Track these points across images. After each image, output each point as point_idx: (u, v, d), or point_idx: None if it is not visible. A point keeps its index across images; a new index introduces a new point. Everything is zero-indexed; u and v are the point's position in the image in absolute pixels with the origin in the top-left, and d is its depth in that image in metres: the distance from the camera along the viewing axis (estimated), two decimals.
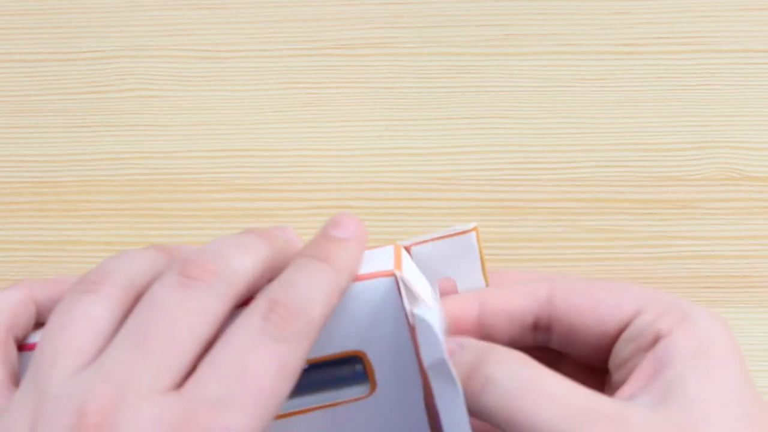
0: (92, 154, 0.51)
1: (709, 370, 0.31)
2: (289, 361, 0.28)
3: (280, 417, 0.34)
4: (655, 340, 0.32)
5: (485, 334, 0.35)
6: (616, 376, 0.34)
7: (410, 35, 0.50)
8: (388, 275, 0.33)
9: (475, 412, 0.32)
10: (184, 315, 0.28)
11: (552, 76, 0.50)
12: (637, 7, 0.49)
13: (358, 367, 0.34)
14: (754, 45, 0.49)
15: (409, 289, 0.33)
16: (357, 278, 0.33)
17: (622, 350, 0.33)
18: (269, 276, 0.31)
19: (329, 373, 0.35)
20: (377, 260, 0.34)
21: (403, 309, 0.34)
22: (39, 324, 0.34)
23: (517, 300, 0.35)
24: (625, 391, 0.32)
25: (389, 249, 0.36)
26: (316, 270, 0.31)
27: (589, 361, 0.35)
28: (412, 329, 0.33)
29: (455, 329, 0.35)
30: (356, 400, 0.35)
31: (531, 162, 0.50)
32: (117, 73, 0.51)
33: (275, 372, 0.28)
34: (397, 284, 0.33)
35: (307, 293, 0.30)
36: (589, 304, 0.34)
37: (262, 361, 0.28)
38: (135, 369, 0.28)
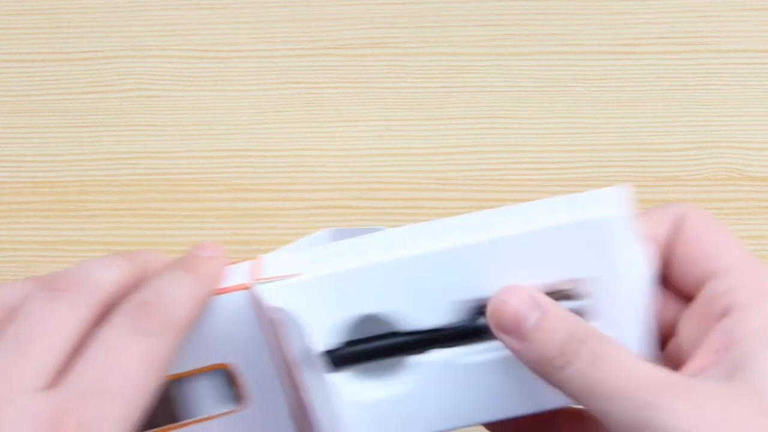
0: (92, 154, 0.51)
1: None
2: (156, 354, 0.31)
3: None
4: (726, 311, 0.32)
5: None
6: (684, 335, 0.34)
7: (410, 35, 0.50)
8: (242, 288, 0.35)
9: (553, 384, 0.33)
10: (54, 320, 0.31)
11: (552, 76, 0.50)
12: (637, 7, 0.49)
13: (222, 380, 0.36)
14: (754, 45, 0.49)
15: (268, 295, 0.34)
16: (214, 293, 0.35)
17: (695, 310, 0.33)
18: (133, 287, 0.34)
19: (198, 387, 0.36)
20: (234, 276, 0.36)
21: (258, 321, 0.35)
22: None
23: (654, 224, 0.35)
24: (692, 366, 0.32)
25: (247, 264, 0.37)
26: (180, 276, 0.33)
27: (679, 299, 0.35)
28: (274, 331, 0.35)
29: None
30: (226, 414, 0.36)
31: (531, 162, 0.50)
32: (117, 73, 0.51)
33: (143, 364, 0.31)
34: (256, 296, 0.35)
35: (170, 293, 0.33)
36: (697, 242, 0.34)
37: (130, 354, 0.31)
38: (13, 371, 0.30)
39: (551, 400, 0.36)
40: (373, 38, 0.50)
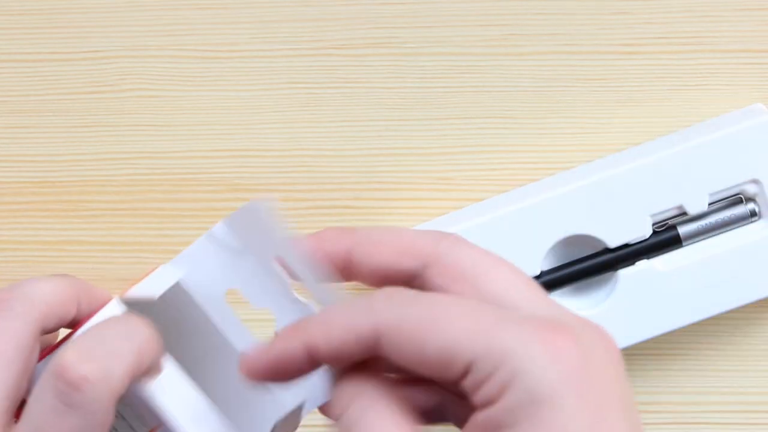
0: (92, 154, 0.51)
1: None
2: (21, 335, 0.30)
3: None
4: (477, 407, 0.28)
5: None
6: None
7: (410, 35, 0.50)
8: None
9: None
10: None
11: (552, 76, 0.50)
12: (637, 7, 0.49)
13: None
14: (754, 45, 0.49)
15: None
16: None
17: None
18: (75, 304, 0.33)
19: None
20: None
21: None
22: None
23: (344, 347, 0.30)
24: None
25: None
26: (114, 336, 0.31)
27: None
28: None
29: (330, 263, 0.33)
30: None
31: (531, 162, 0.50)
32: (117, 73, 0.51)
33: (9, 344, 0.30)
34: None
35: (100, 361, 0.30)
36: (417, 350, 0.29)
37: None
38: None
39: (753, 293, 0.45)
40: (373, 38, 0.50)
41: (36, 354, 0.32)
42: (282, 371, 0.31)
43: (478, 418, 0.28)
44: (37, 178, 0.51)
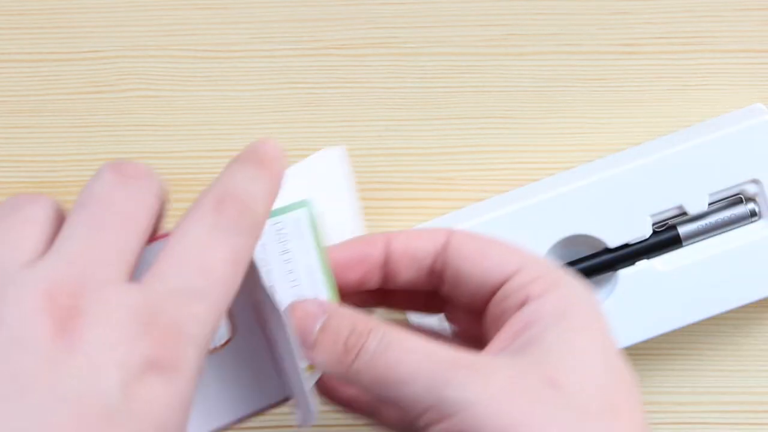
0: (92, 154, 0.51)
1: (569, 328, 0.33)
2: (242, 255, 0.30)
3: None
4: (524, 302, 0.34)
5: (389, 273, 0.38)
6: (488, 334, 0.35)
7: (410, 35, 0.50)
8: None
9: (351, 382, 0.33)
10: (129, 208, 0.30)
11: (552, 76, 0.50)
12: (637, 7, 0.49)
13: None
14: (754, 45, 0.49)
15: None
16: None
17: (494, 307, 0.35)
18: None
19: None
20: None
21: None
22: None
23: (419, 242, 0.37)
24: (489, 348, 0.33)
25: None
26: (254, 173, 0.32)
27: (471, 310, 0.37)
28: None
29: (360, 269, 0.38)
30: (219, 348, 0.35)
31: (531, 162, 0.50)
32: (117, 73, 0.51)
33: (231, 265, 0.29)
34: None
35: (248, 189, 0.31)
36: (478, 255, 0.36)
37: (219, 254, 0.29)
38: (94, 257, 0.28)
39: (753, 293, 0.45)
40: (373, 38, 0.50)
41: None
42: (356, 266, 0.36)
43: (524, 312, 0.33)
44: (37, 178, 0.51)
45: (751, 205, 0.46)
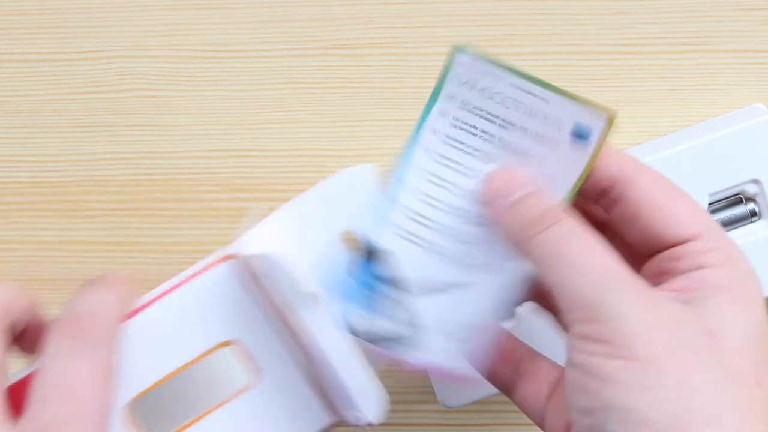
0: (92, 154, 0.51)
1: (735, 300, 0.33)
2: (104, 364, 0.32)
3: None
4: (697, 269, 0.34)
5: None
6: (641, 274, 0.35)
7: (410, 35, 0.50)
8: (226, 259, 0.36)
9: (525, 249, 0.34)
10: None
11: (552, 76, 0.50)
12: (637, 7, 0.50)
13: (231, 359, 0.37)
14: (754, 45, 0.49)
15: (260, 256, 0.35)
16: (197, 273, 0.36)
17: (663, 262, 0.35)
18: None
19: (210, 371, 0.37)
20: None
21: (247, 290, 0.36)
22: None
23: (606, 160, 0.36)
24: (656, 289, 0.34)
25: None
26: (100, 289, 0.34)
27: (631, 245, 0.37)
28: (262, 290, 0.35)
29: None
30: (243, 393, 0.36)
31: None
32: (117, 73, 0.51)
33: (97, 379, 0.32)
34: (240, 260, 0.35)
35: (101, 306, 0.33)
36: (666, 207, 0.35)
37: (81, 373, 0.32)
38: None
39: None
40: (373, 38, 0.50)
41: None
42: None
43: (695, 275, 0.34)
44: (37, 178, 0.51)
45: (751, 205, 0.46)
